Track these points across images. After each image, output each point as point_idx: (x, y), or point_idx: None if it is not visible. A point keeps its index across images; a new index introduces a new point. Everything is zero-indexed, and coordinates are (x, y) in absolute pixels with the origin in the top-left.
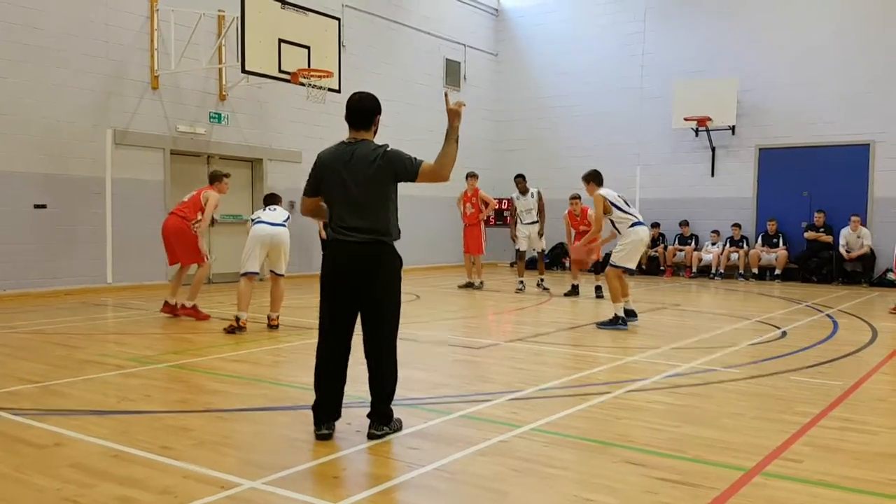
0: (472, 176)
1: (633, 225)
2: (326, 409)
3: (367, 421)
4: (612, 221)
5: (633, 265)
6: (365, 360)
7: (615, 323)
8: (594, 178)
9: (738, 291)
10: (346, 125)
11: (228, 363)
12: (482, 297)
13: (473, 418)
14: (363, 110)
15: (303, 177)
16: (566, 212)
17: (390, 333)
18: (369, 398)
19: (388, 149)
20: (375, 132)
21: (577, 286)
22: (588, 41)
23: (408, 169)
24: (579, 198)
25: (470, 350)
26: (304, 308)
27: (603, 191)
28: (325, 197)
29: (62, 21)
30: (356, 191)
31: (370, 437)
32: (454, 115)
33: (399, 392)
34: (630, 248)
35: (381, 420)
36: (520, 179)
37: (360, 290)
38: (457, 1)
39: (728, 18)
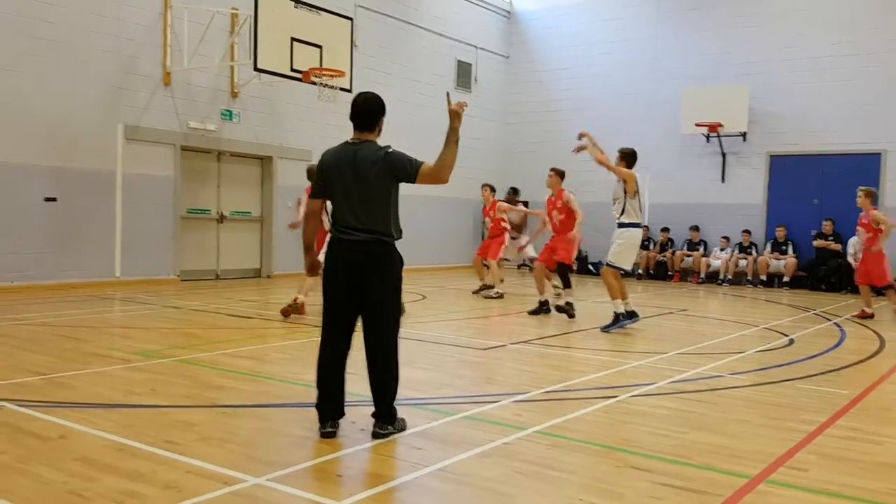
0: (486, 187)
1: (630, 225)
2: (329, 408)
3: (372, 420)
4: (617, 204)
5: (628, 266)
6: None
7: (617, 321)
8: (626, 158)
9: (746, 298)
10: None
11: (234, 359)
12: (488, 298)
13: (478, 420)
14: (368, 112)
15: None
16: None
17: (391, 333)
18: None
19: (390, 150)
20: (379, 133)
21: (547, 302)
22: (599, 45)
23: (407, 171)
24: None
25: (475, 351)
26: (308, 305)
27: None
28: (329, 197)
29: (75, 15)
30: (358, 191)
31: (374, 436)
32: (455, 115)
33: (403, 392)
34: (624, 247)
35: (386, 419)
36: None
37: (360, 290)
38: (469, 3)
39: (739, 25)
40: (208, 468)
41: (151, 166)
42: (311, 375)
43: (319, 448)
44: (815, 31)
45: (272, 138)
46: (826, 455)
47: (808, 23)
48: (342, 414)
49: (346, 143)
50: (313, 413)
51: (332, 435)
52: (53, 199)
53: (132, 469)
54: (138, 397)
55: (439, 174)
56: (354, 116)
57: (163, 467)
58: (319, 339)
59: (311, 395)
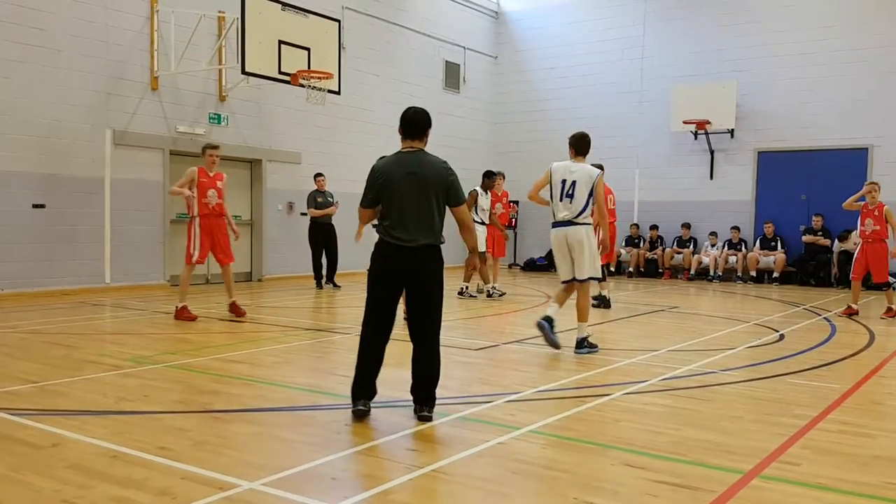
0: (500, 174)
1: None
2: (365, 387)
3: (366, 424)
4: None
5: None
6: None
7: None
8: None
9: (736, 294)
10: (344, 126)
11: (226, 364)
12: (480, 298)
13: (471, 420)
14: (425, 121)
15: (302, 178)
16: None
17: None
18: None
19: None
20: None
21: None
22: (588, 44)
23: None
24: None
25: (468, 352)
26: (299, 308)
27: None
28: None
29: (62, 21)
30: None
31: (424, 419)
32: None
33: (397, 393)
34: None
35: (433, 402)
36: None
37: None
38: (456, 4)
39: (727, 22)
40: (202, 474)
41: (140, 171)
42: (303, 379)
43: (313, 451)
44: (802, 27)
45: (261, 141)
46: (818, 449)
47: (795, 19)
48: (374, 393)
49: (402, 153)
50: (307, 416)
51: (366, 413)
52: (42, 206)
53: (125, 476)
54: (130, 404)
55: (468, 224)
56: (410, 126)
57: (156, 474)
58: (298, 341)
59: (304, 398)
